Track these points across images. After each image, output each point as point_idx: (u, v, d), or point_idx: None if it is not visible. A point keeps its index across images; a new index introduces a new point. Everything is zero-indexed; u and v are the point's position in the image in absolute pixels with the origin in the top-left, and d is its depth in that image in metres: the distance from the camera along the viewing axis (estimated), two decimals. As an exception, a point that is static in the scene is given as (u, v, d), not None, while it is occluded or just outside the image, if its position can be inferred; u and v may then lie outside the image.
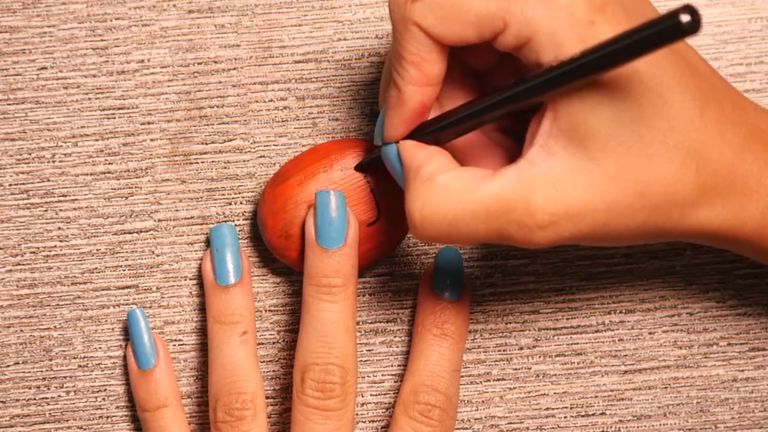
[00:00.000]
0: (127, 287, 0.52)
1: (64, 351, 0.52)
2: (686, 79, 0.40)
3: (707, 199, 0.41)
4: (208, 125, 0.52)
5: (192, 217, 0.52)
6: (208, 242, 0.52)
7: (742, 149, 0.41)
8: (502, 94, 0.41)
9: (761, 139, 0.42)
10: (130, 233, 0.52)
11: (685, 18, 0.34)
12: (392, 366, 0.52)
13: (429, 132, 0.44)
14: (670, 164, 0.40)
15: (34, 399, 0.52)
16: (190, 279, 0.52)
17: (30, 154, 0.52)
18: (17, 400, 0.52)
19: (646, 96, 0.39)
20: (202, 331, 0.52)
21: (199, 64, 0.52)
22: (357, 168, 0.49)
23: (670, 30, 0.34)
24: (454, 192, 0.41)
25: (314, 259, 0.47)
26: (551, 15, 0.40)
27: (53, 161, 0.52)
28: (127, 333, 0.51)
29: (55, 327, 0.52)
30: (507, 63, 0.46)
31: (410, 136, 0.45)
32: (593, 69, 0.38)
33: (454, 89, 0.46)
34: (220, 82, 0.52)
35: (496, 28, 0.41)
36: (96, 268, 0.52)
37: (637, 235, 0.41)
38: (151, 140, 0.52)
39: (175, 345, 0.52)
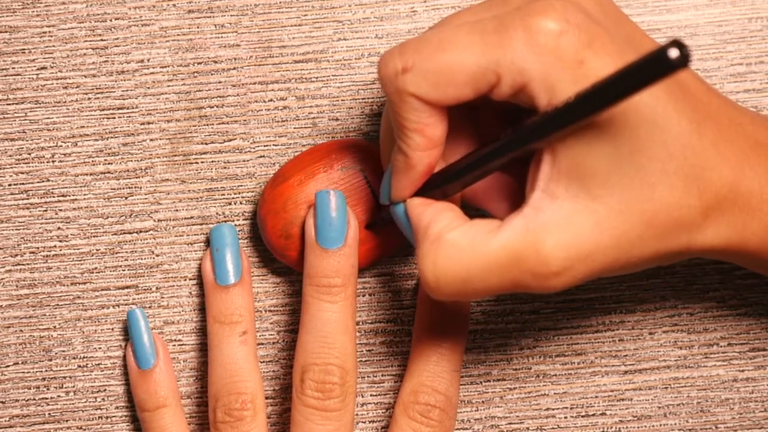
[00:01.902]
0: (127, 287, 0.52)
1: (63, 351, 0.52)
2: (680, 103, 0.40)
3: (712, 220, 0.41)
4: (208, 125, 0.52)
5: (192, 217, 0.52)
6: (208, 242, 0.52)
7: (742, 166, 0.41)
8: (501, 144, 0.41)
9: (761, 153, 0.42)
10: (129, 233, 0.52)
11: (674, 53, 0.34)
12: (392, 366, 0.52)
13: (435, 187, 0.45)
14: (672, 191, 0.40)
15: (34, 399, 0.52)
16: (190, 279, 0.52)
17: (30, 154, 0.52)
18: (17, 400, 0.52)
19: (643, 126, 0.39)
20: (202, 331, 0.52)
21: (199, 64, 0.52)
22: (368, 227, 0.49)
23: (659, 67, 0.34)
24: (463, 249, 0.41)
25: (314, 259, 0.47)
26: (541, 60, 0.39)
27: (53, 161, 0.52)
28: (127, 333, 0.51)
29: (54, 327, 0.52)
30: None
31: (417, 192, 0.45)
32: (587, 112, 0.38)
33: (454, 138, 0.46)
34: (220, 82, 0.52)
35: (490, 82, 0.41)
36: (96, 268, 0.52)
37: (651, 261, 0.42)
38: (151, 140, 0.52)
39: (175, 345, 0.52)
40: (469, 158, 0.43)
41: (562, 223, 0.40)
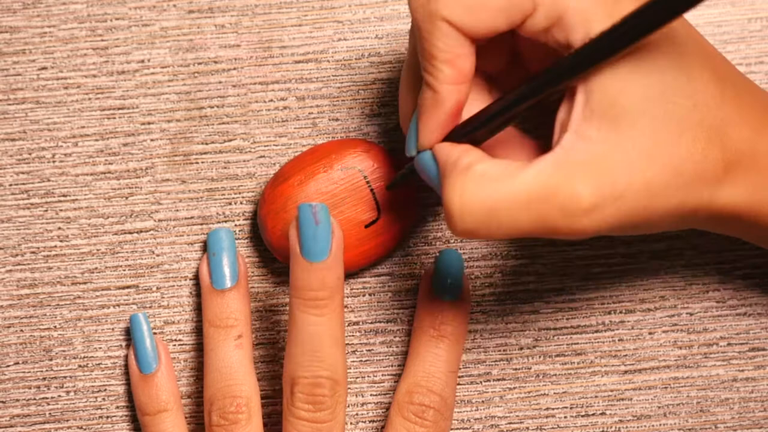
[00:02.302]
0: (127, 287, 0.52)
1: (64, 351, 0.52)
2: (704, 60, 0.41)
3: (731, 177, 0.41)
4: (208, 125, 0.52)
5: (192, 217, 0.52)
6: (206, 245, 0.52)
7: (761, 128, 0.42)
8: (536, 81, 0.41)
9: None
10: (130, 233, 0.52)
11: None
12: (392, 366, 0.52)
13: (464, 134, 0.44)
14: (696, 142, 0.40)
15: (34, 399, 0.52)
16: (190, 279, 0.52)
17: (30, 154, 0.52)
18: (17, 400, 0.52)
19: (670, 72, 0.40)
20: (202, 332, 0.52)
21: (199, 64, 0.52)
22: (389, 187, 0.49)
23: None
24: (493, 179, 0.40)
25: (300, 272, 0.46)
26: None
27: (53, 161, 0.52)
28: (128, 333, 0.51)
29: (55, 327, 0.52)
30: (517, 66, 0.46)
31: (444, 141, 0.44)
32: (625, 41, 0.38)
33: (473, 93, 0.46)
34: (220, 82, 0.52)
35: (525, 11, 0.40)
36: (96, 268, 0.52)
37: (672, 217, 0.41)
38: (151, 140, 0.52)
39: (175, 345, 0.52)
40: (497, 102, 0.42)
41: (595, 163, 0.39)
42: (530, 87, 0.41)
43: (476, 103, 0.46)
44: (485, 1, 0.41)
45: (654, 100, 0.40)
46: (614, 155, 0.40)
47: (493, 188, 0.40)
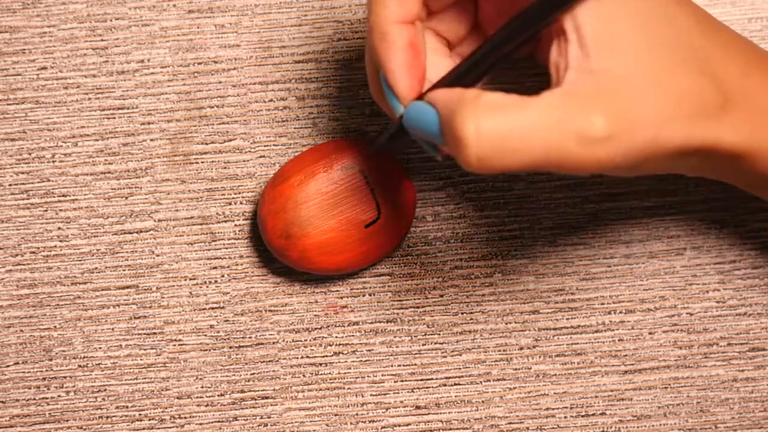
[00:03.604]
0: (127, 287, 0.52)
1: (64, 351, 0.52)
2: (685, 7, 0.41)
3: (730, 114, 0.41)
4: (208, 125, 0.52)
5: (192, 217, 0.52)
6: (207, 242, 0.52)
7: (749, 69, 0.42)
8: (524, 17, 0.40)
9: (761, 62, 0.42)
10: (130, 233, 0.52)
11: None
12: (392, 366, 0.52)
13: (452, 81, 0.43)
14: (690, 74, 0.40)
15: (34, 399, 0.52)
16: (190, 279, 0.52)
17: (30, 154, 0.52)
18: (17, 400, 0.52)
19: (654, 8, 0.40)
20: (202, 331, 0.52)
21: (199, 64, 0.52)
22: (374, 151, 0.48)
23: None
24: (505, 106, 0.39)
25: None
26: None
27: (53, 161, 0.52)
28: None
29: (55, 327, 0.52)
30: (478, 34, 0.45)
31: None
32: None
33: (436, 58, 0.45)
34: (220, 82, 0.52)
35: None
36: (96, 268, 0.52)
37: (677, 153, 0.41)
38: (151, 140, 0.52)
39: (175, 345, 0.52)
40: (486, 45, 0.42)
41: (605, 94, 0.39)
42: (518, 23, 0.40)
43: (440, 69, 0.45)
44: None
45: (643, 33, 0.40)
46: (621, 85, 0.40)
47: (507, 114, 0.39)
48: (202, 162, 0.52)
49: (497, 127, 0.39)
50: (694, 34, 0.41)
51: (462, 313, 0.52)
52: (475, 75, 0.42)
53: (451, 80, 0.43)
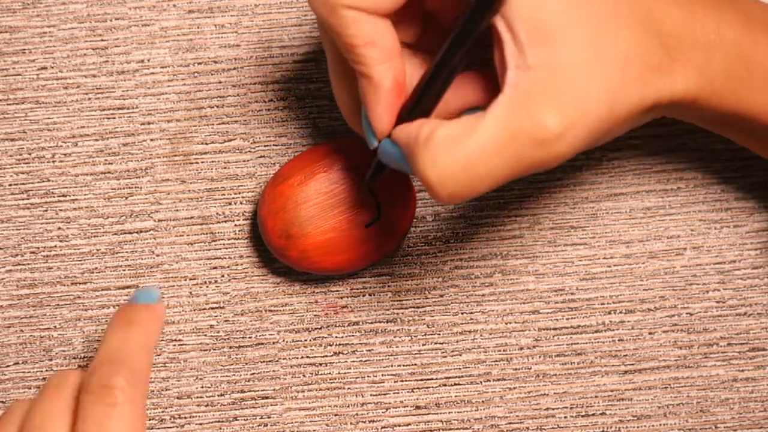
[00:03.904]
0: (127, 287, 0.52)
1: (64, 351, 0.52)
2: None
3: (679, 63, 0.41)
4: (208, 125, 0.52)
5: (192, 217, 0.52)
6: (207, 242, 0.52)
7: (692, 6, 0.42)
8: (455, 35, 0.41)
9: None
10: (130, 233, 0.52)
11: None
12: (392, 366, 0.52)
13: (412, 110, 0.43)
14: (632, 35, 0.40)
15: (34, 399, 0.52)
16: (190, 279, 0.52)
17: (30, 154, 0.52)
18: (17, 400, 0.52)
19: None
20: (202, 331, 0.52)
21: (199, 64, 0.52)
22: (365, 184, 0.49)
23: None
24: (457, 138, 0.40)
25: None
26: None
27: (53, 161, 0.52)
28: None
29: (55, 327, 0.52)
30: (432, 26, 0.45)
31: (396, 125, 0.44)
32: None
33: (409, 67, 0.45)
34: (220, 82, 0.52)
35: None
36: (96, 268, 0.52)
37: (637, 114, 0.41)
38: (151, 140, 0.52)
39: (175, 345, 0.52)
40: (431, 66, 0.42)
41: (547, 88, 0.39)
42: (451, 44, 0.41)
43: (411, 76, 0.45)
44: None
45: (577, 8, 0.39)
46: (562, 74, 0.39)
47: (461, 147, 0.40)
48: (202, 162, 0.52)
49: (455, 163, 0.40)
50: None
51: (462, 313, 0.52)
52: (430, 98, 0.43)
53: (411, 107, 0.43)
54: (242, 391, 0.52)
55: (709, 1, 0.42)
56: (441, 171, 0.40)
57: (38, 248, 0.52)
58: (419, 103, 0.43)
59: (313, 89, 0.52)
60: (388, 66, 0.42)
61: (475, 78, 0.45)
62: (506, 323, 0.52)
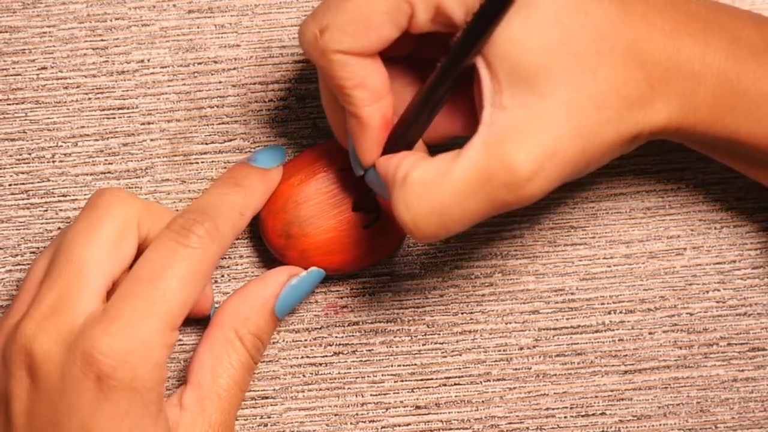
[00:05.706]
0: (127, 287, 0.52)
1: (64, 351, 0.52)
2: None
3: (660, 94, 0.41)
4: (208, 125, 0.52)
5: (192, 217, 0.52)
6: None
7: (678, 34, 0.41)
8: (438, 71, 0.41)
9: (696, 21, 0.42)
10: (130, 233, 0.52)
11: None
12: (392, 366, 0.52)
13: (397, 141, 0.44)
14: (614, 70, 0.40)
15: (34, 399, 0.52)
16: (190, 279, 0.52)
17: (30, 154, 0.52)
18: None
19: (564, 12, 0.40)
20: (202, 331, 0.52)
21: (199, 64, 0.52)
22: (355, 209, 0.49)
23: None
24: (430, 182, 0.41)
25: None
26: None
27: (53, 161, 0.52)
28: None
29: (55, 327, 0.52)
30: (426, 36, 0.46)
31: (382, 153, 0.45)
32: (503, 5, 0.38)
33: (401, 84, 0.46)
34: (220, 82, 0.52)
35: (406, 13, 0.41)
36: (96, 268, 0.52)
37: (615, 148, 0.41)
38: (151, 140, 0.52)
39: (175, 345, 0.52)
40: (416, 99, 0.43)
41: (519, 130, 0.40)
42: (433, 82, 0.41)
43: (408, 88, 0.46)
44: (366, 22, 0.41)
45: (556, 49, 0.39)
46: (535, 115, 0.40)
47: (434, 192, 0.41)
48: (202, 162, 0.52)
49: (429, 209, 0.41)
50: (615, 18, 0.40)
51: (462, 313, 0.52)
52: (414, 130, 0.44)
53: (396, 139, 0.44)
54: (242, 391, 0.52)
55: (697, 28, 0.42)
56: (415, 215, 0.41)
57: (38, 248, 0.52)
58: (404, 136, 0.44)
59: (313, 89, 0.52)
60: (377, 106, 0.43)
61: (464, 102, 0.45)
62: (506, 323, 0.52)
